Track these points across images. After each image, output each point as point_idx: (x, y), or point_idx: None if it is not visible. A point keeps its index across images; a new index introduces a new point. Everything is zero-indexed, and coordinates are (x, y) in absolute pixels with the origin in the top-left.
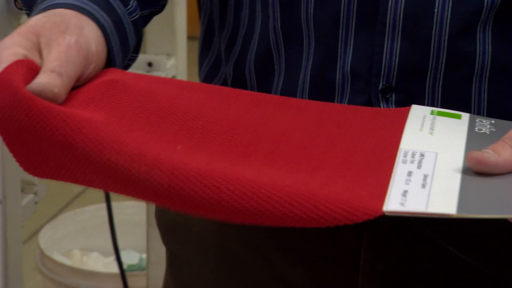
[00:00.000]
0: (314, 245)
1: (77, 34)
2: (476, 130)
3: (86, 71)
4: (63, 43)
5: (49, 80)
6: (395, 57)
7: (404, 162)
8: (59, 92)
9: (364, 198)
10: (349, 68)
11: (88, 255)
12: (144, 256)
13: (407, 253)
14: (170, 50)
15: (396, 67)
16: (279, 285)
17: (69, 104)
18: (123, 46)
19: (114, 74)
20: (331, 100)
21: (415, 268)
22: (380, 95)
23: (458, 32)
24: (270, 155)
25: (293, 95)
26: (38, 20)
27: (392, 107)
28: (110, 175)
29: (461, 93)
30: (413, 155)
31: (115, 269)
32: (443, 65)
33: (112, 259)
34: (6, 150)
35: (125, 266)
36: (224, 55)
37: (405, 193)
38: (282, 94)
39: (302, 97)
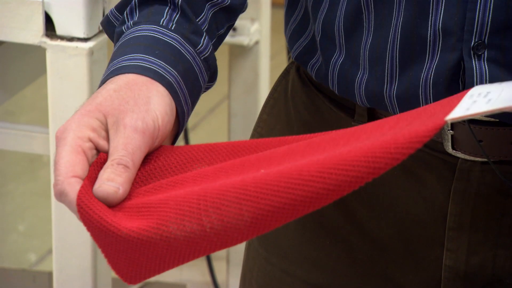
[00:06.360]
0: (399, 200)
1: (144, 110)
2: None
3: (152, 146)
4: (129, 126)
5: (114, 177)
6: (489, 13)
7: (470, 97)
8: (123, 191)
9: (429, 121)
10: (440, 25)
11: None
12: None
13: (495, 207)
14: (254, 15)
15: (489, 24)
16: (365, 240)
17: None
18: (193, 91)
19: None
20: (422, 58)
21: (503, 222)
22: (472, 52)
23: None
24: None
25: (383, 53)
26: (108, 96)
27: (484, 64)
28: None
29: None
30: (478, 94)
31: None
32: None
33: None
34: None
35: None
36: (311, 12)
37: (470, 106)
38: (370, 52)
39: (392, 56)
